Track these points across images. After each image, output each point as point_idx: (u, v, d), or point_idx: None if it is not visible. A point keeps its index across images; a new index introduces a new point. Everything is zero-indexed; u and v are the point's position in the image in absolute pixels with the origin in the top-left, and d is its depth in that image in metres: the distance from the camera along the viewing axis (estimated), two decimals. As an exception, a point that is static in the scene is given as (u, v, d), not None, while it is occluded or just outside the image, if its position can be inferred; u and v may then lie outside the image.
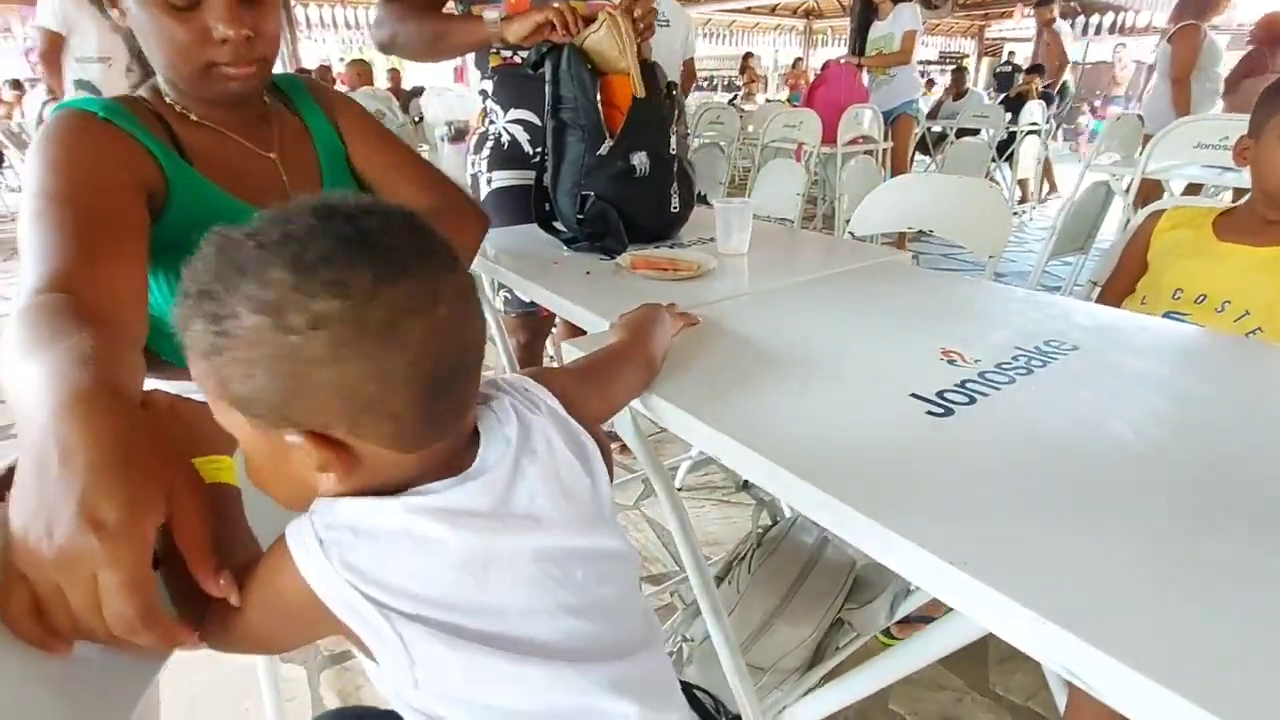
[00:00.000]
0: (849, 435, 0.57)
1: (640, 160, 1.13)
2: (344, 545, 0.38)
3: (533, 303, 1.38)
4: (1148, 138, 2.57)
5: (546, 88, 1.15)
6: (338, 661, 1.24)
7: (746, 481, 1.81)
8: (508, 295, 1.51)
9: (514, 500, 0.44)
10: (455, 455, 0.44)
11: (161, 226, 0.72)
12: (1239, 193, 2.52)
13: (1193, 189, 2.66)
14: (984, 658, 1.27)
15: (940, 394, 0.62)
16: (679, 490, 1.77)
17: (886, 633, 1.18)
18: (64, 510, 0.33)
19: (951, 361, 0.70)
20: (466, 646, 0.40)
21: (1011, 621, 0.38)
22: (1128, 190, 2.28)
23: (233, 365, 0.36)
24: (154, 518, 0.36)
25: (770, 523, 1.31)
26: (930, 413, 0.59)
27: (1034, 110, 4.87)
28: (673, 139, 1.18)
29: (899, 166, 3.82)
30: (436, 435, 0.42)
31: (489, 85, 1.37)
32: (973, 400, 0.61)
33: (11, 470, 0.38)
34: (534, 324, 1.56)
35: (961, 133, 4.95)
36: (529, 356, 1.64)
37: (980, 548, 0.42)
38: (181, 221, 0.73)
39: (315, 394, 0.37)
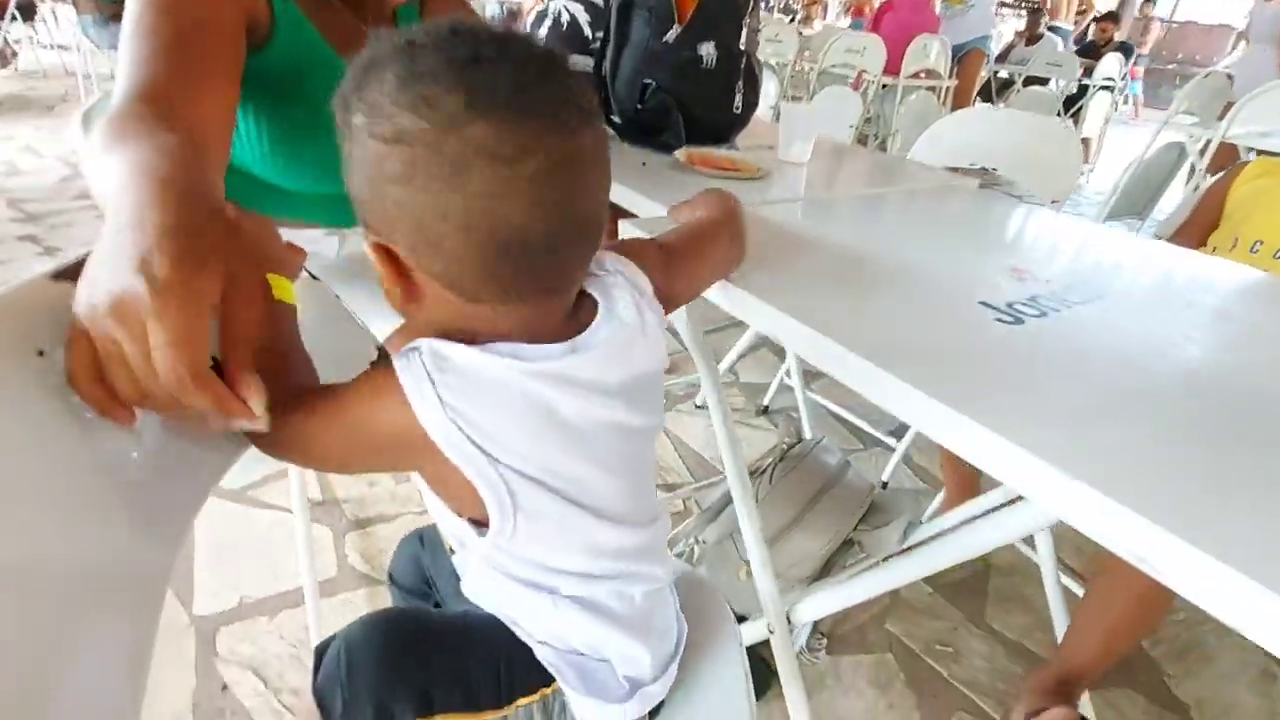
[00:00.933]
0: (914, 330, 0.56)
1: (708, 51, 1.07)
2: (456, 391, 0.38)
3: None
4: (1229, 104, 2.41)
5: (615, -39, 1.08)
6: (362, 526, 1.29)
7: (767, 406, 1.81)
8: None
9: (618, 378, 0.43)
10: (557, 323, 0.43)
11: (257, 62, 0.69)
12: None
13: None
14: (984, 593, 1.29)
15: (1010, 305, 0.60)
16: (699, 409, 1.79)
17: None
18: (123, 262, 0.33)
19: (1022, 279, 0.67)
20: (561, 501, 0.42)
21: (1080, 504, 0.37)
22: (1203, 153, 2.17)
23: (346, 158, 0.38)
24: (207, 283, 0.34)
25: (795, 440, 1.32)
26: (1000, 320, 0.58)
27: (1110, 64, 4.58)
28: (744, 32, 1.11)
29: (961, 105, 3.63)
30: (510, 297, 0.40)
31: (551, -41, 1.30)
32: (1044, 314, 0.59)
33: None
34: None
35: (1029, 81, 4.68)
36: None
37: (1050, 437, 0.41)
38: (279, 63, 0.71)
39: (386, 208, 0.37)
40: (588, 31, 1.28)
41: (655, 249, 0.54)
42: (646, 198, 0.85)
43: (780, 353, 1.99)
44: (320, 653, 0.49)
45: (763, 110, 2.92)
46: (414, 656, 0.47)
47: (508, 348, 0.39)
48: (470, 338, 0.39)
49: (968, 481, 1.23)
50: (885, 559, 0.69)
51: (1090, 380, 0.49)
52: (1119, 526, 0.36)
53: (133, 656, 0.40)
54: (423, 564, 0.63)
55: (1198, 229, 1.23)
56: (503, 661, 0.48)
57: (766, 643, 0.81)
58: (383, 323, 0.76)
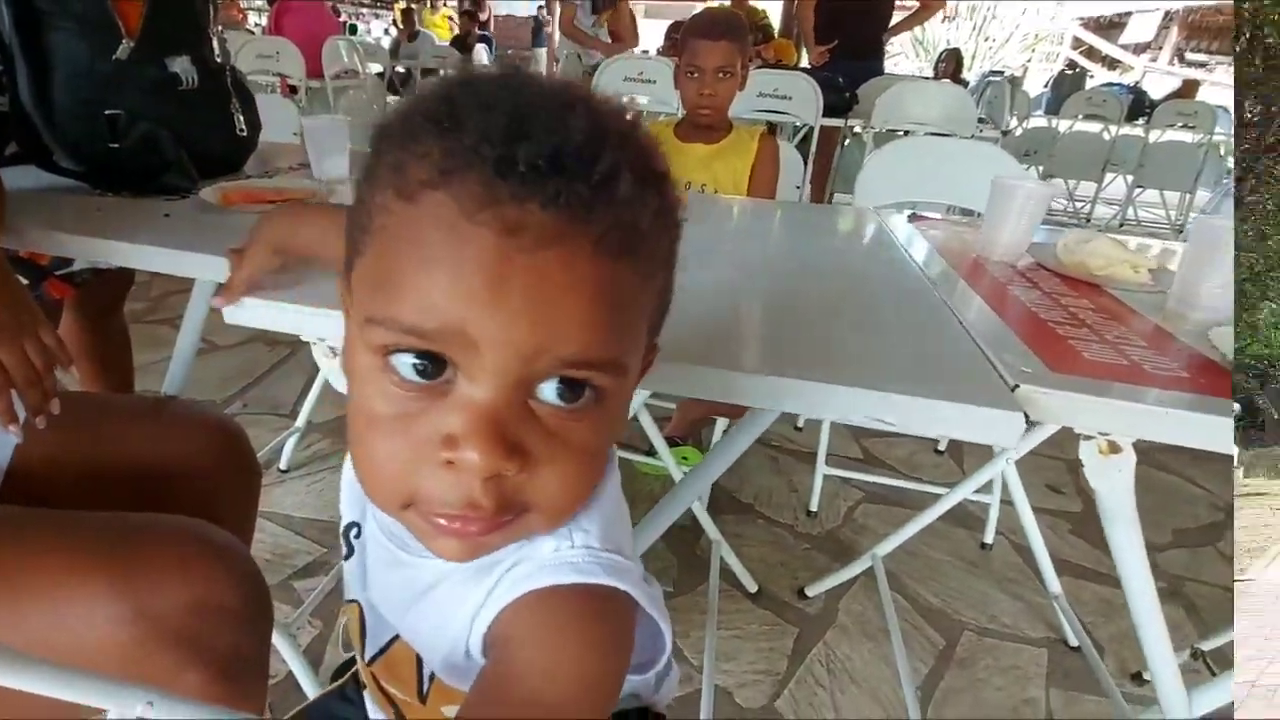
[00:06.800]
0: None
1: (184, 68, 0.89)
2: (619, 542, 0.35)
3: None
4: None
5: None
6: None
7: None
8: None
9: None
10: None
11: None
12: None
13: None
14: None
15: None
16: (285, 472, 1.55)
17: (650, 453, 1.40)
18: None
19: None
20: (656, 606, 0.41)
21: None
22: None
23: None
24: None
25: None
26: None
27: (480, 53, 5.36)
28: (215, 43, 0.96)
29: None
30: None
31: None
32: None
33: None
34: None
35: (426, 72, 5.11)
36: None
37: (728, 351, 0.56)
38: None
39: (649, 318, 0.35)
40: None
41: None
42: (194, 251, 0.69)
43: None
44: None
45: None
46: None
47: None
48: None
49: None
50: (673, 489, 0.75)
51: (720, 301, 0.68)
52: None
53: None
54: None
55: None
56: None
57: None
58: None
